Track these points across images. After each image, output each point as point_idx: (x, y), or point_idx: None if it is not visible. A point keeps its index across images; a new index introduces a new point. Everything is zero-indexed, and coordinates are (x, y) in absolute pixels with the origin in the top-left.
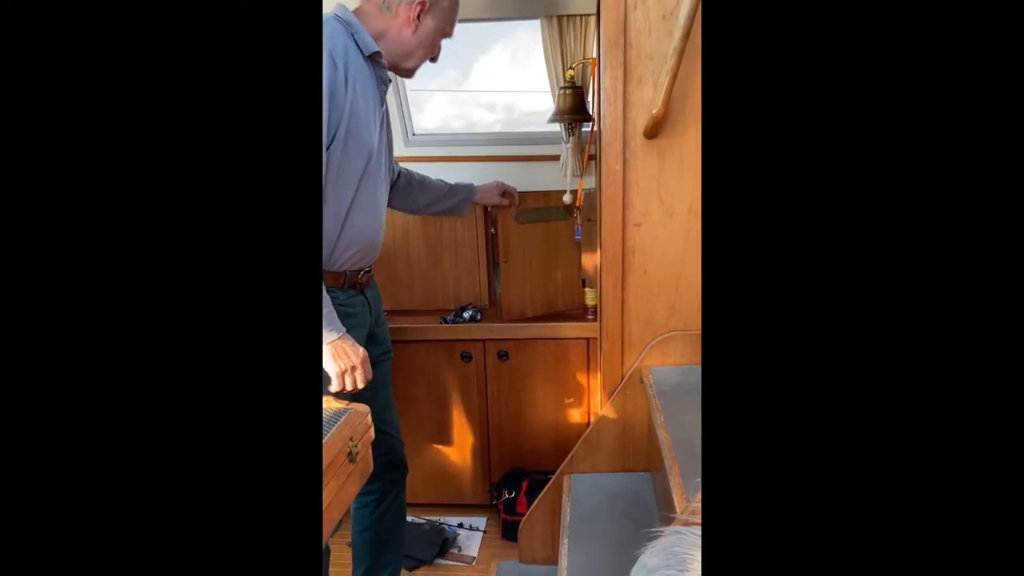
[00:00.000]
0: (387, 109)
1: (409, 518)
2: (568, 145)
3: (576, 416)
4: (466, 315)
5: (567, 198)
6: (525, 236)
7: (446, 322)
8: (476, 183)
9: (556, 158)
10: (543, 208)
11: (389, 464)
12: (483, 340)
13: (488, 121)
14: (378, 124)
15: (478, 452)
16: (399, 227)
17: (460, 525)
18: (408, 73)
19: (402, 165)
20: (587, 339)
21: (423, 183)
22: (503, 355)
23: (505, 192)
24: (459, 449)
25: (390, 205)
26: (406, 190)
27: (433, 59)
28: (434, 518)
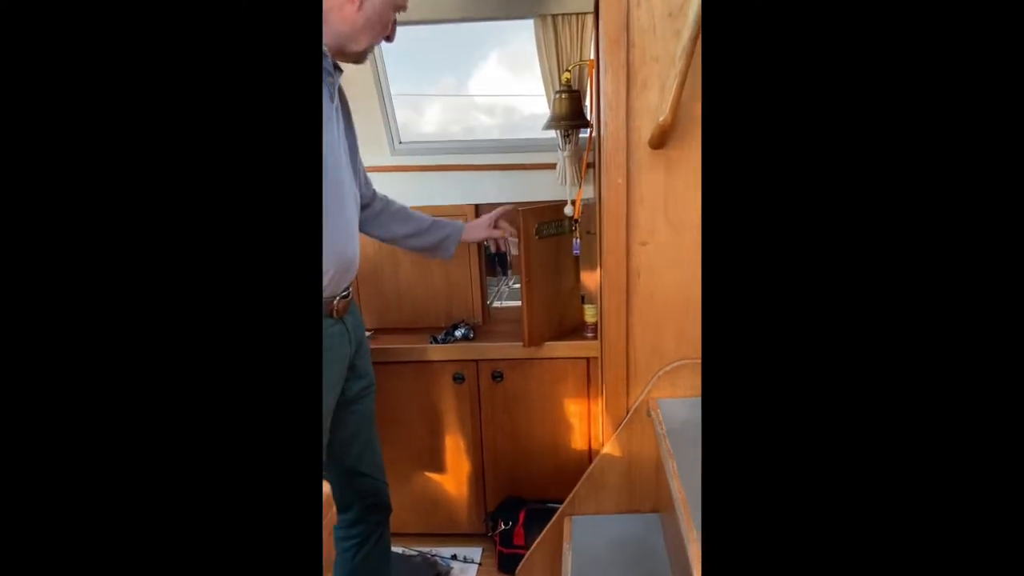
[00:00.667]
0: (343, 108)
1: (399, 549)
2: (565, 153)
3: (576, 441)
4: (458, 333)
5: (567, 210)
6: (543, 251)
7: (437, 341)
8: (472, 193)
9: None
10: (559, 221)
11: (372, 507)
12: (476, 360)
13: (487, 125)
14: (335, 122)
15: (472, 479)
16: None
17: (454, 557)
18: (357, 58)
19: (386, 191)
20: (587, 359)
21: (402, 212)
22: (497, 376)
23: (498, 223)
24: (452, 476)
25: (362, 231)
26: (381, 216)
27: (388, 38)
28: (426, 549)
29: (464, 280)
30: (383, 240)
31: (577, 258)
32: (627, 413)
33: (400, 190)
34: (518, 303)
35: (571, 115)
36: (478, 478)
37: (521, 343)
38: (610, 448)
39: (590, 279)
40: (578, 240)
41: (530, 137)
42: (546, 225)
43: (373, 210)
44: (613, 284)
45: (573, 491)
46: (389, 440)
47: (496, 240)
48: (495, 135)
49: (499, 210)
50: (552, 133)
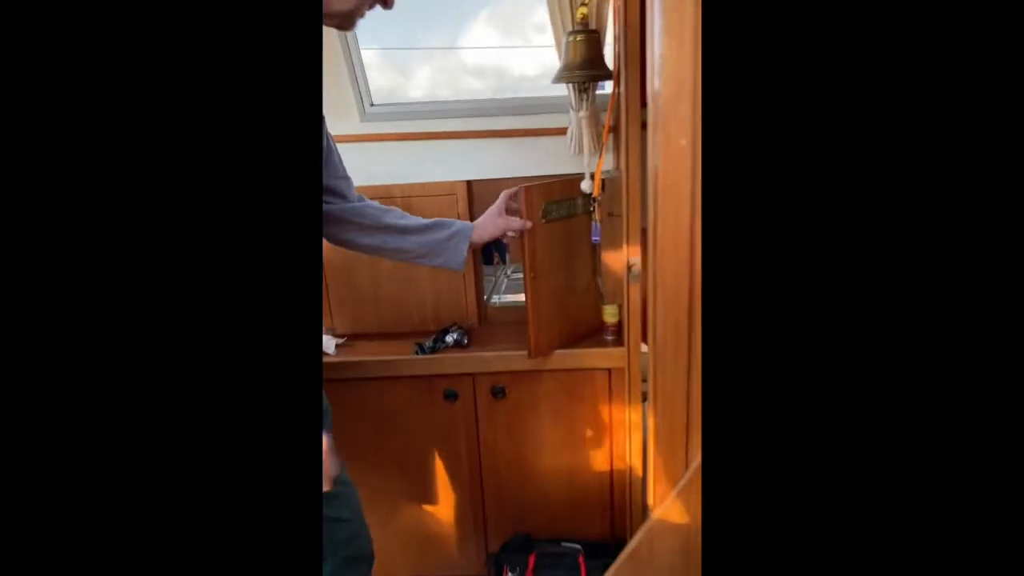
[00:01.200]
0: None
1: None
2: (581, 114)
3: (594, 467)
4: (449, 339)
5: (585, 185)
6: (552, 238)
7: (424, 351)
8: (463, 167)
9: (561, 132)
10: (570, 200)
11: (350, 560)
12: (472, 374)
13: (478, 89)
14: None
15: (469, 513)
16: None
17: None
18: (343, 20)
19: (354, 166)
20: (608, 370)
21: (388, 211)
22: (498, 392)
23: (508, 208)
24: (445, 509)
25: (332, 240)
26: (357, 217)
27: (385, 2)
28: None
29: (454, 273)
30: (364, 249)
31: (596, 246)
32: (687, 469)
33: (373, 165)
34: (521, 298)
35: (589, 63)
36: (477, 512)
37: (526, 351)
38: (663, 514)
39: (612, 272)
40: (597, 223)
41: (534, 95)
42: (555, 206)
43: (345, 209)
44: (670, 292)
45: (612, 571)
46: (369, 470)
47: (516, 231)
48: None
49: (505, 194)
50: (563, 90)
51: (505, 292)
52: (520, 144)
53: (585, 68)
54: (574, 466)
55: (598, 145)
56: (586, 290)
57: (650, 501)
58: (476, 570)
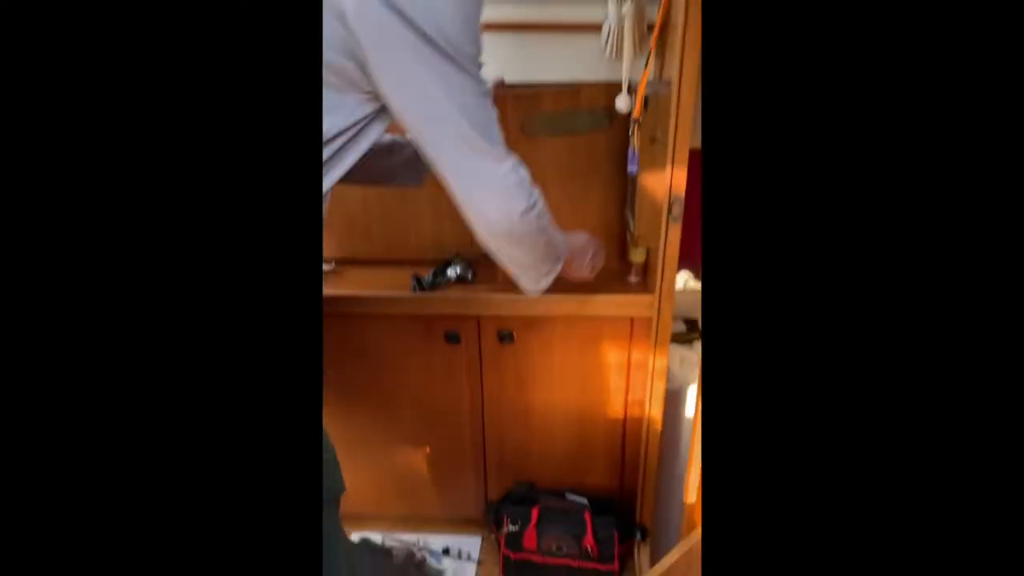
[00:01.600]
0: None
1: (378, 538)
2: (624, 8)
3: (607, 416)
4: (451, 273)
5: (621, 103)
6: (539, 155)
7: (422, 286)
8: None
9: (592, 29)
10: (568, 113)
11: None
12: (477, 317)
13: None
14: None
15: (469, 457)
16: None
17: (446, 551)
18: None
19: None
20: (631, 319)
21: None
22: (506, 337)
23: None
24: (443, 452)
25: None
26: None
27: None
28: (411, 537)
29: None
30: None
31: (631, 180)
32: None
33: None
34: None
35: None
36: (477, 457)
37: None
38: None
39: (648, 207)
40: (635, 150)
41: None
42: (542, 120)
43: None
44: None
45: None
46: (360, 409)
47: None
48: None
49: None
50: None
51: None
52: (536, 42)
53: None
54: (584, 414)
55: (642, 48)
56: (605, 220)
57: (646, 408)
58: (473, 512)
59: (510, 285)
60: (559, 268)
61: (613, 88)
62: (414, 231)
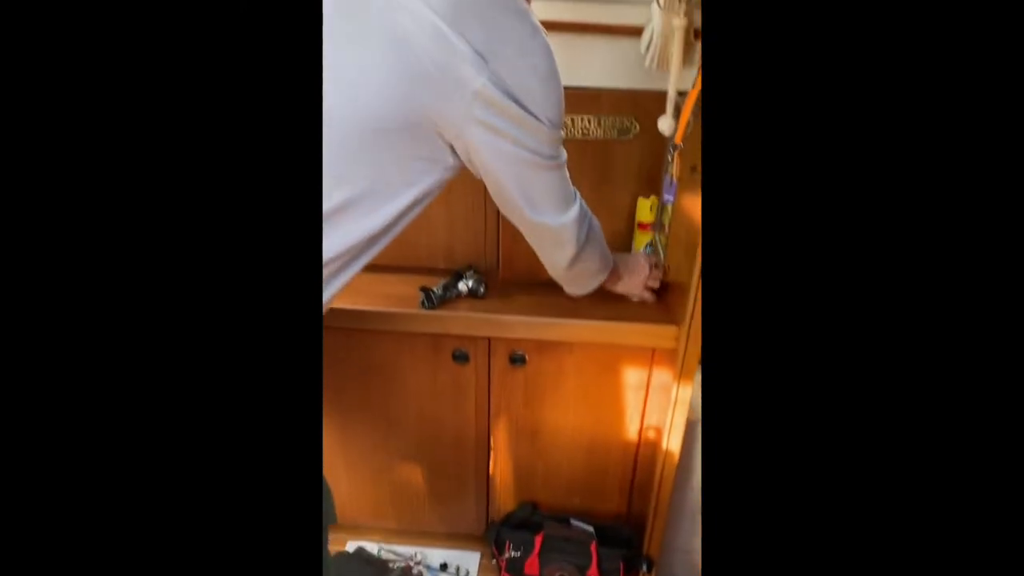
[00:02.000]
0: None
1: (375, 548)
2: (676, 21)
3: (620, 441)
4: (462, 287)
5: (664, 125)
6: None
7: (431, 301)
8: None
9: (631, 33)
10: (589, 118)
11: None
12: (488, 338)
13: None
14: None
15: (472, 474)
16: None
17: (443, 567)
18: None
19: None
20: (652, 349)
21: None
22: (518, 359)
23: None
24: (445, 469)
25: None
26: None
27: None
28: (408, 550)
29: (475, 202)
30: None
31: (662, 205)
32: None
33: None
34: None
35: None
36: (480, 475)
37: (554, 313)
38: None
39: (682, 244)
40: (672, 178)
41: None
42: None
43: None
44: None
45: None
46: (362, 421)
47: None
48: None
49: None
50: None
51: None
52: (572, 44)
53: None
54: (595, 437)
55: (689, 59)
56: (620, 233)
57: (665, 441)
58: (474, 527)
59: (524, 306)
60: (606, 275)
61: (641, 96)
62: (425, 237)
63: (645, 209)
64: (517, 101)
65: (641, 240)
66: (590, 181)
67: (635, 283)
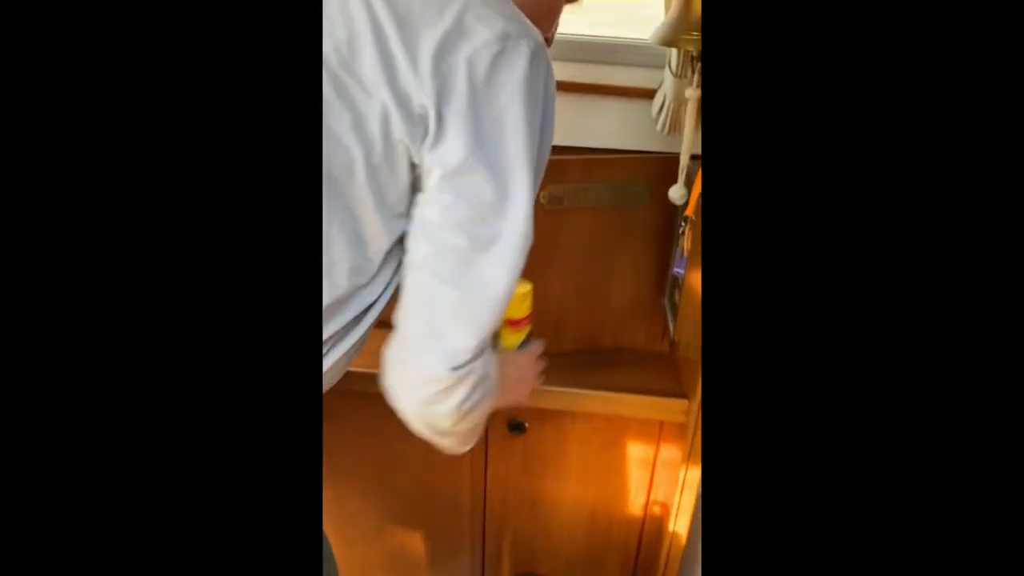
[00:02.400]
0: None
1: None
2: (689, 92)
3: (626, 513)
4: None
5: (675, 194)
6: (561, 227)
7: None
8: None
9: (644, 95)
10: (601, 185)
11: None
12: None
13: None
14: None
15: (467, 542)
16: None
17: None
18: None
19: None
20: (660, 422)
21: None
22: (517, 427)
23: None
24: (439, 536)
25: None
26: None
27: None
28: None
29: None
30: None
31: (674, 279)
32: None
33: None
34: None
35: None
36: (475, 544)
37: (555, 382)
38: None
39: (692, 319)
40: (684, 253)
41: (608, 36)
42: (571, 192)
43: None
44: None
45: None
46: (351, 485)
47: None
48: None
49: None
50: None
51: None
52: (580, 104)
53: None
54: (598, 509)
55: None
56: (629, 301)
57: (672, 518)
58: None
59: None
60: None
61: (653, 161)
62: None
63: (517, 301)
64: None
65: (512, 340)
66: (615, 245)
67: (522, 393)
